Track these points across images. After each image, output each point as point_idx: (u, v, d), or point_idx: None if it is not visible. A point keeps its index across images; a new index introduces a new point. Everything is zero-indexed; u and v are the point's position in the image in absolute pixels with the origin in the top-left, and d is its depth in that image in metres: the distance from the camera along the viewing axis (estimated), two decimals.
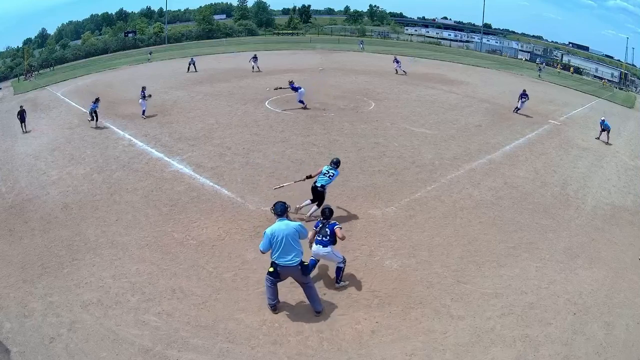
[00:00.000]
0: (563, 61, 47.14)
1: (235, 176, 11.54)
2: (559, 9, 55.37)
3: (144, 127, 15.94)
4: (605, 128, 16.93)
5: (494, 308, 6.71)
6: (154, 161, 12.69)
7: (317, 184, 9.04)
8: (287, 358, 5.69)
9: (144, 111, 17.49)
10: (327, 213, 6.91)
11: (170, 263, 7.62)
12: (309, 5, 62.33)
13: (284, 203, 6.29)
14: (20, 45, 42.97)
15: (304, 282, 6.27)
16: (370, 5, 64.37)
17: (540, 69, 35.89)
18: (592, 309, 6.83)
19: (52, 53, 43.24)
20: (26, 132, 16.44)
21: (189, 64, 28.71)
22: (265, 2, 59.76)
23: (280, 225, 6.07)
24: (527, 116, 19.45)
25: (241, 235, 8.63)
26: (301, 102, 18.20)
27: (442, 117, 18.23)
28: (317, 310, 6.35)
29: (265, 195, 10.41)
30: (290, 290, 6.96)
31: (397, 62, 28.86)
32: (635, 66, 42.48)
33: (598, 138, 17.12)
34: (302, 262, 6.13)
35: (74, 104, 20.69)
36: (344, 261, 6.94)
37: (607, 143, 16.68)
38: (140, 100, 17.47)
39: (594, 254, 8.57)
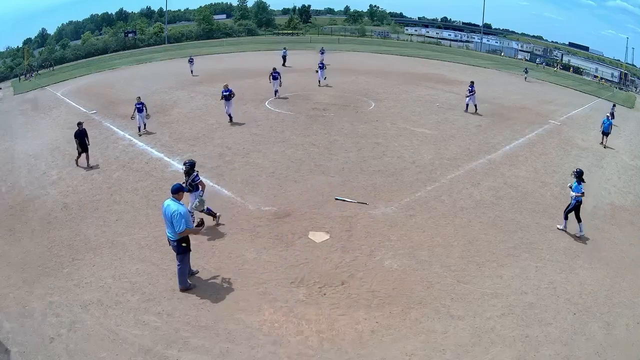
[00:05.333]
0: (563, 61, 47.17)
1: (235, 176, 11.55)
2: (559, 9, 55.50)
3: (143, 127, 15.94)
4: (605, 130, 16.16)
5: (494, 308, 6.71)
6: (154, 161, 12.69)
7: None
8: (287, 358, 5.69)
9: (139, 127, 15.13)
10: (190, 165, 8.40)
11: (170, 263, 7.60)
12: (309, 5, 62.44)
13: (181, 185, 6.82)
14: (20, 45, 43.06)
15: (177, 259, 6.82)
16: (370, 5, 64.55)
17: (526, 71, 32.93)
18: (592, 309, 6.83)
19: (52, 53, 43.27)
20: (89, 167, 12.30)
21: (283, 57, 30.30)
22: (265, 2, 59.86)
23: (169, 203, 6.57)
24: (478, 114, 18.88)
25: (241, 235, 8.63)
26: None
27: (442, 117, 18.23)
28: (180, 287, 6.94)
29: (265, 195, 10.42)
30: (290, 290, 6.97)
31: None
32: (635, 66, 42.51)
33: (603, 145, 16.25)
34: (178, 241, 6.56)
35: (74, 104, 20.69)
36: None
37: (605, 146, 16.24)
38: (138, 115, 14.91)
39: (594, 254, 8.57)
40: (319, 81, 23.72)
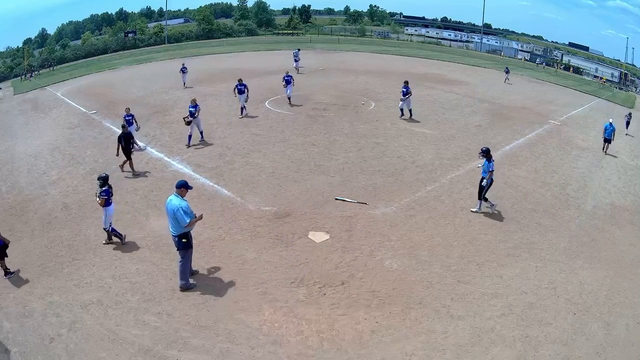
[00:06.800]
0: (563, 61, 47.20)
1: (235, 176, 11.55)
2: (559, 9, 55.63)
3: (144, 127, 15.90)
4: (607, 137, 15.40)
5: (494, 308, 6.71)
6: (154, 161, 12.69)
7: None
8: (287, 358, 5.69)
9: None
10: (103, 180, 8.06)
11: (170, 263, 7.61)
12: (309, 5, 62.49)
13: (185, 181, 6.85)
14: (20, 45, 43.14)
15: (179, 255, 6.84)
16: (370, 5, 64.59)
17: (507, 71, 29.69)
18: (592, 309, 6.83)
19: (52, 53, 43.31)
20: (135, 174, 11.65)
21: (294, 59, 28.72)
22: (265, 2, 59.91)
23: (172, 198, 6.62)
24: (415, 121, 17.11)
25: (241, 235, 8.63)
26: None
27: (442, 117, 18.23)
28: (180, 285, 6.96)
29: (265, 195, 10.42)
30: (290, 290, 6.98)
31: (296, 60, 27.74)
32: (635, 66, 42.55)
33: (604, 152, 15.47)
34: (179, 236, 6.61)
35: (74, 104, 20.70)
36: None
37: (606, 152, 15.53)
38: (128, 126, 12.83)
39: (594, 254, 8.58)
40: (289, 99, 18.80)
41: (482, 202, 9.81)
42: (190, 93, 21.26)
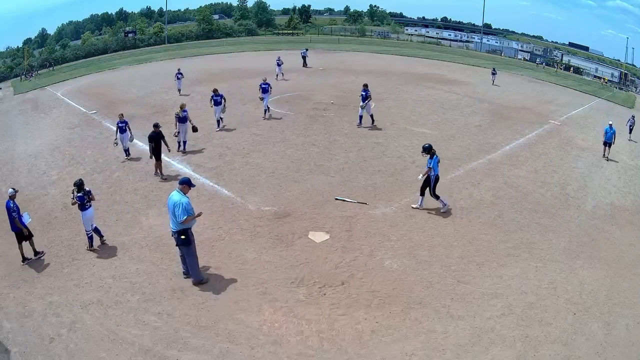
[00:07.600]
0: (563, 61, 47.21)
1: (235, 176, 11.55)
2: (559, 9, 55.66)
3: (143, 128, 15.89)
4: (607, 140, 14.87)
5: (494, 308, 6.71)
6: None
7: None
8: (287, 358, 5.69)
9: (125, 151, 12.93)
10: (78, 186, 7.96)
11: (170, 263, 7.62)
12: (309, 5, 62.53)
13: (189, 178, 6.92)
14: (20, 45, 43.17)
15: (182, 252, 6.97)
16: (370, 5, 64.65)
17: (494, 72, 28.30)
18: (592, 309, 6.83)
19: (52, 53, 43.33)
20: (163, 177, 11.34)
21: (303, 57, 29.39)
22: (265, 2, 59.95)
23: (173, 194, 6.70)
24: (377, 128, 15.74)
25: (241, 235, 8.64)
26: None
27: (442, 117, 18.23)
28: (193, 280, 7.07)
29: (265, 195, 10.42)
30: (290, 290, 6.98)
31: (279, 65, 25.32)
32: (635, 66, 42.55)
33: (605, 157, 14.91)
34: (178, 232, 6.64)
35: (74, 104, 20.70)
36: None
37: (607, 158, 14.88)
38: (120, 135, 12.66)
39: (594, 254, 8.57)
40: (265, 111, 16.80)
41: (438, 199, 9.68)
42: (189, 96, 21.26)
